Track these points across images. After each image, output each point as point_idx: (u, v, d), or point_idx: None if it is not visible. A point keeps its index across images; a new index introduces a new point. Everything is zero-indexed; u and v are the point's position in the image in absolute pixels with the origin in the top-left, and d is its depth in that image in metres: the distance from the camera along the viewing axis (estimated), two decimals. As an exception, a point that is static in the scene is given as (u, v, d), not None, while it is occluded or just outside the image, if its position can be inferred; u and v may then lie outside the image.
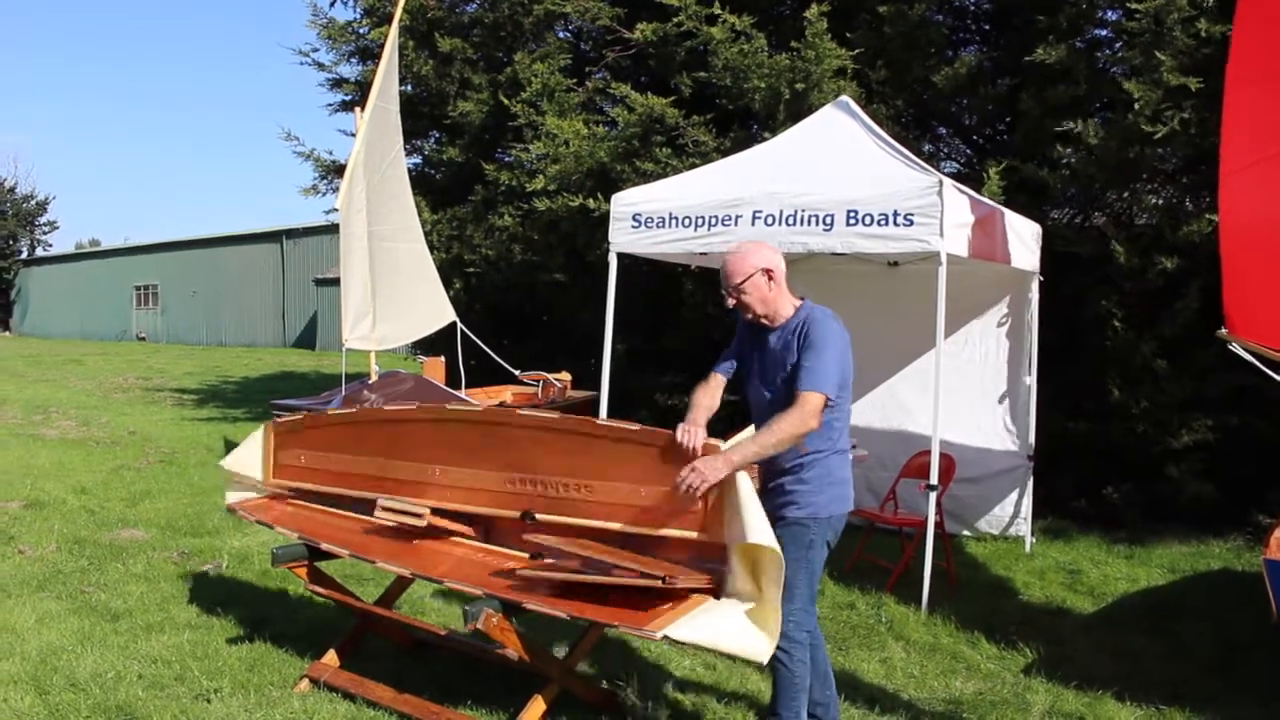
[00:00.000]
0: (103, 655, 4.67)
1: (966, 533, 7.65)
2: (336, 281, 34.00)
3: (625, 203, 7.01)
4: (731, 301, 3.85)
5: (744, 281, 3.77)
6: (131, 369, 23.46)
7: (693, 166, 8.83)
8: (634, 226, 6.96)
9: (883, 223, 6.03)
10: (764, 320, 3.82)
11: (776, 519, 3.60)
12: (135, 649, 4.76)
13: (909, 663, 5.04)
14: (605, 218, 9.17)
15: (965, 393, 7.79)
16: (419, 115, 12.42)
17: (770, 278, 3.78)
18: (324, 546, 4.19)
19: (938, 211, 5.84)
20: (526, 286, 10.99)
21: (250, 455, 4.92)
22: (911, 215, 5.93)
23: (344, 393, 7.84)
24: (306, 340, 34.63)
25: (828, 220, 6.18)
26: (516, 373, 9.42)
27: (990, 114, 8.50)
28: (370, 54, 12.20)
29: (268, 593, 5.72)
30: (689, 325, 10.25)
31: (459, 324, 9.10)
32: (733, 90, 8.58)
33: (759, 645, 3.29)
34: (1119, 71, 8.03)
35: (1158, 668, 5.01)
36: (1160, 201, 7.68)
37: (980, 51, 8.26)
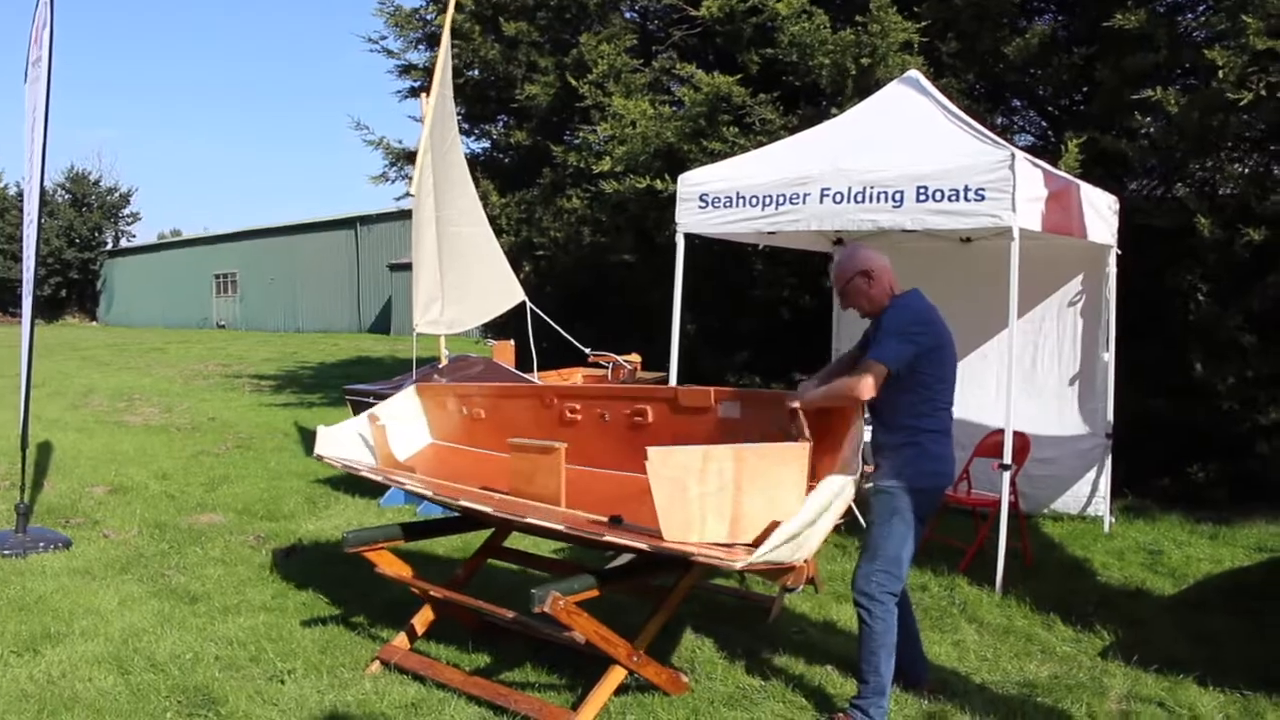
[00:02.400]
0: (181, 637, 4.80)
1: (1044, 512, 7.48)
2: (409, 267, 34.50)
3: (692, 183, 6.95)
4: (843, 305, 4.22)
5: (845, 285, 4.11)
6: (212, 356, 24.09)
7: (760, 145, 8.72)
8: (701, 207, 6.91)
9: (953, 198, 5.90)
10: (871, 314, 4.13)
11: (874, 489, 4.02)
12: (212, 631, 4.88)
13: (982, 645, 4.95)
14: (673, 199, 9.14)
15: (1041, 370, 7.61)
16: (486, 99, 12.50)
17: (869, 278, 4.05)
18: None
19: (1009, 185, 5.69)
20: (595, 268, 11.00)
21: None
22: (983, 190, 5.79)
23: (414, 378, 7.92)
24: (381, 325, 35.21)
25: (897, 197, 6.06)
26: (586, 351, 9.42)
27: (1065, 85, 8.23)
28: (437, 39, 12.25)
29: (341, 575, 5.80)
30: (759, 305, 10.18)
31: (529, 305, 9.12)
32: (799, 66, 8.45)
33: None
34: (1200, 37, 7.73)
35: (1241, 651, 4.84)
36: (1245, 170, 7.36)
37: (1054, 20, 7.98)
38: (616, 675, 3.90)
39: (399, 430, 5.29)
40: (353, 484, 8.42)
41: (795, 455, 3.73)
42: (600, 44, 10.07)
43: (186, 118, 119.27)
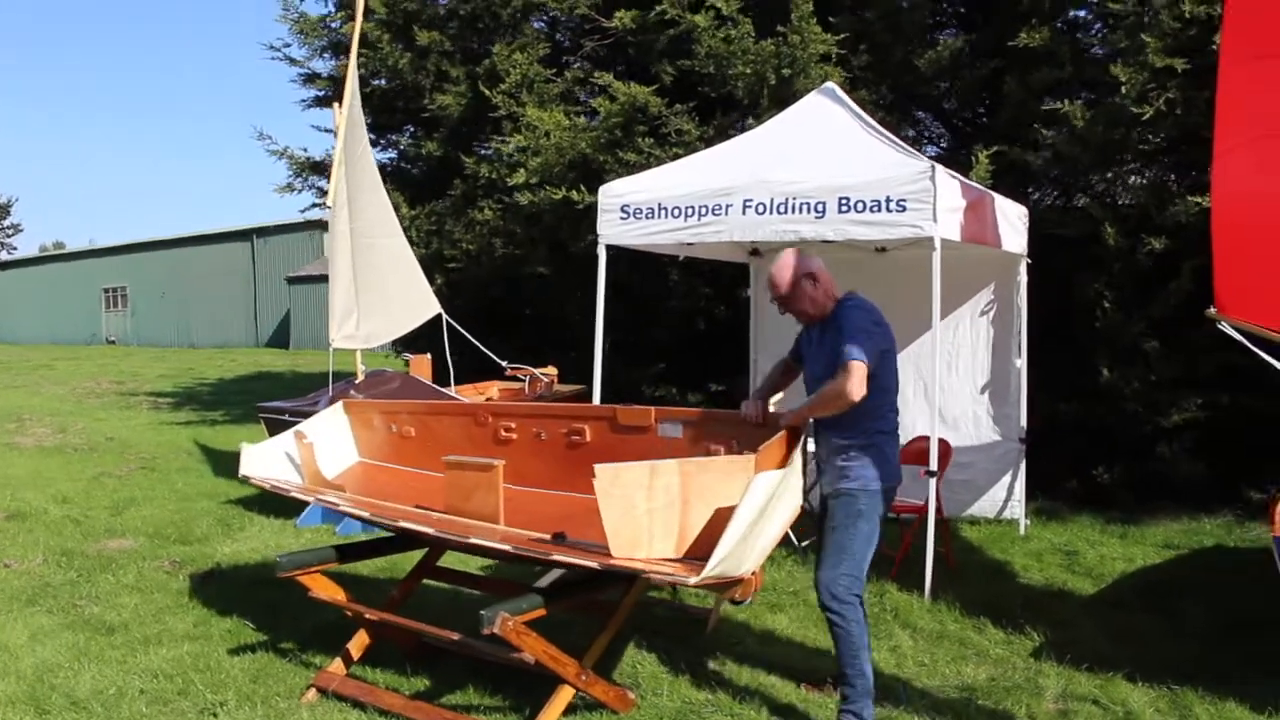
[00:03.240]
0: (101, 671, 4.56)
1: (961, 517, 7.66)
2: (308, 280, 33.77)
3: (613, 194, 6.92)
4: (782, 310, 4.16)
5: (791, 289, 4.05)
6: (104, 373, 23.12)
7: (676, 156, 8.77)
8: (622, 218, 6.87)
9: (875, 209, 5.99)
10: (816, 319, 4.11)
11: (833, 493, 4.03)
12: (134, 663, 4.66)
13: (918, 650, 5.03)
14: (589, 210, 9.10)
15: (956, 377, 7.80)
16: (393, 109, 12.28)
17: (814, 280, 4.04)
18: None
19: (930, 196, 5.81)
20: (508, 280, 10.88)
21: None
22: (904, 200, 5.89)
23: (330, 394, 7.72)
24: (280, 340, 34.28)
25: (819, 208, 6.13)
26: (504, 364, 9.31)
27: (972, 98, 8.47)
28: (344, 48, 12.01)
29: (265, 600, 5.59)
30: (675, 316, 10.21)
31: (444, 318, 8.99)
32: (716, 78, 8.52)
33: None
34: (1101, 53, 8.04)
35: (1164, 647, 5.01)
36: (1144, 182, 7.68)
37: (962, 35, 8.21)
38: (565, 695, 3.84)
39: (325, 448, 5.13)
40: (266, 504, 8.15)
41: (741, 468, 3.72)
42: (513, 53, 9.99)
43: (69, 126, 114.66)
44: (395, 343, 10.92)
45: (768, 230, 6.32)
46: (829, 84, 7.26)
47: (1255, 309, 5.21)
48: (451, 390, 8.45)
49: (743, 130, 8.24)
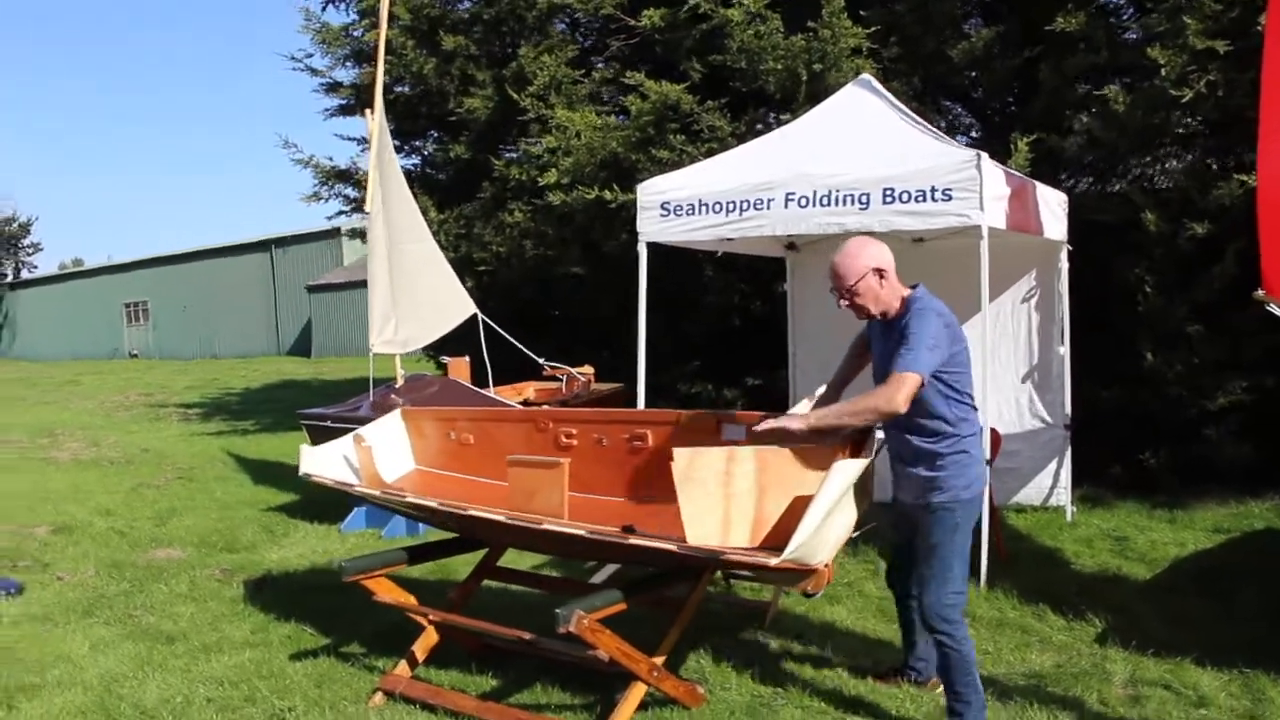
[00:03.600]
0: (166, 680, 4.57)
1: (1008, 505, 7.61)
2: (328, 288, 33.88)
3: (652, 191, 6.90)
4: (844, 303, 3.86)
5: (857, 283, 3.79)
6: (130, 386, 23.27)
7: (710, 152, 8.74)
8: (663, 215, 6.85)
9: (920, 199, 5.95)
10: (880, 317, 3.85)
11: (922, 506, 3.79)
12: (198, 671, 4.67)
13: (980, 639, 4.97)
14: (621, 209, 9.10)
15: (1000, 365, 7.75)
16: (417, 115, 12.30)
17: (881, 276, 3.80)
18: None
19: (976, 185, 5.76)
20: (540, 282, 10.88)
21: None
22: (950, 190, 5.85)
23: (371, 399, 7.73)
24: (301, 348, 34.42)
25: (863, 199, 6.09)
26: (541, 360, 9.30)
27: (1003, 87, 8.41)
28: (366, 56, 12.05)
29: (320, 605, 5.61)
30: (710, 312, 10.18)
31: (480, 318, 8.97)
32: (747, 73, 8.48)
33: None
34: (1135, 37, 7.98)
35: (1224, 632, 4.95)
36: (1182, 166, 7.60)
37: (992, 25, 8.14)
38: (638, 691, 3.83)
39: (383, 455, 5.14)
40: (309, 511, 8.19)
41: (819, 458, 3.70)
42: (540, 55, 9.99)
43: (84, 144, 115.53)
44: (428, 347, 10.95)
45: (811, 223, 6.29)
46: (865, 75, 7.21)
47: None
48: (490, 392, 8.44)
49: (777, 125, 8.21)
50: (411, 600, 4.46)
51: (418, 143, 12.97)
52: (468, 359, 8.85)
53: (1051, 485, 7.67)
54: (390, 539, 7.34)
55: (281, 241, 35.38)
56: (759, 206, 6.45)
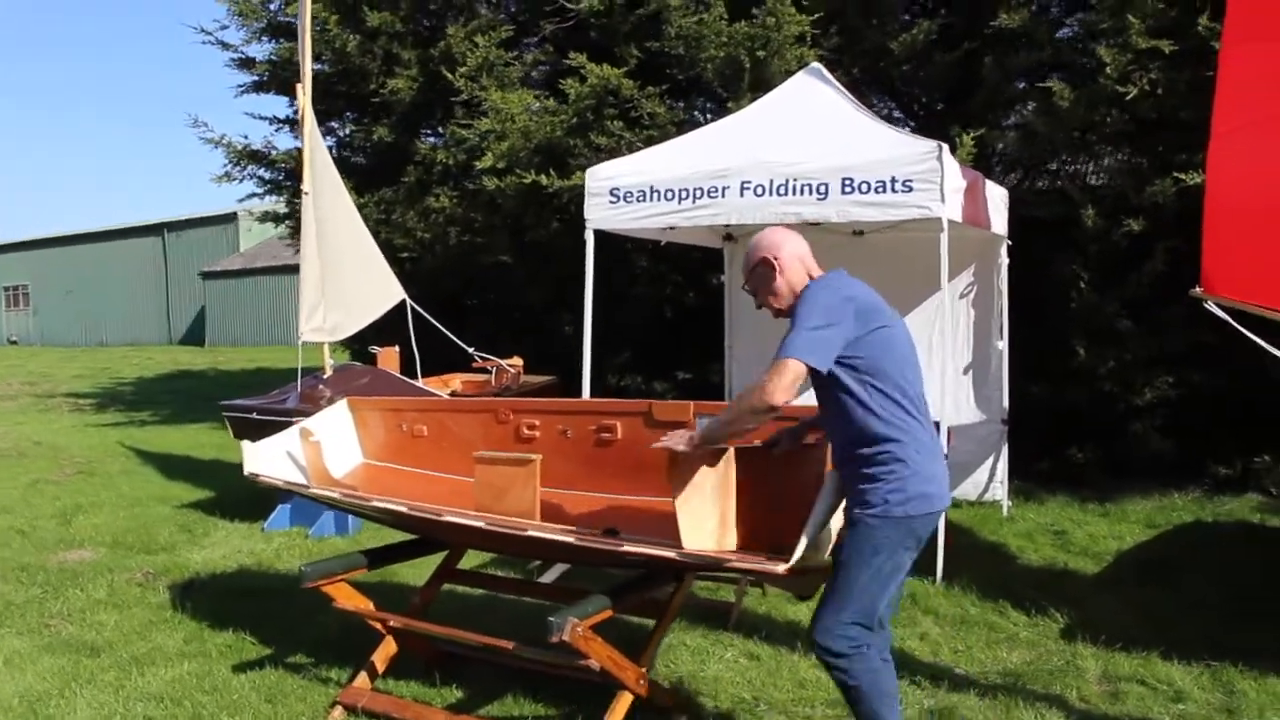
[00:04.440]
0: (96, 697, 4.18)
1: (946, 500, 7.63)
2: (224, 275, 32.65)
3: (601, 177, 6.70)
4: (755, 302, 3.41)
5: (749, 275, 3.37)
6: (12, 374, 21.94)
7: (649, 140, 8.57)
8: (612, 202, 6.66)
9: (880, 189, 5.88)
10: (785, 314, 3.27)
11: (850, 520, 3.19)
12: (131, 687, 4.28)
13: (948, 636, 4.94)
14: (554, 195, 8.85)
15: (938, 359, 7.77)
16: (334, 94, 11.79)
17: (772, 267, 3.27)
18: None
19: (938, 177, 5.72)
20: (464, 270, 10.55)
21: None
22: (910, 181, 5.80)
23: (298, 390, 7.33)
24: (194, 337, 33.09)
25: (821, 189, 6.00)
26: (471, 350, 8.99)
27: (941, 82, 8.43)
28: (283, 31, 11.51)
29: (254, 611, 5.24)
30: (641, 303, 10.01)
31: (410, 306, 8.62)
32: (685, 60, 8.33)
33: None
34: (1068, 35, 8.09)
35: (1182, 624, 5.00)
36: (1117, 163, 7.73)
37: (935, 19, 8.15)
38: (625, 702, 3.63)
39: (328, 448, 4.81)
40: (227, 508, 7.75)
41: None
42: (470, 36, 9.65)
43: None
44: (348, 338, 10.52)
45: (767, 213, 6.16)
46: (814, 64, 7.13)
47: (1244, 287, 5.25)
48: (420, 383, 8.12)
49: (717, 114, 8.07)
50: (370, 606, 4.17)
51: (334, 124, 12.44)
52: (397, 349, 8.50)
53: (988, 480, 7.73)
54: (319, 538, 6.99)
55: (174, 225, 33.93)
56: (713, 194, 6.32)
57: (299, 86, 7.55)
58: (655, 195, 6.49)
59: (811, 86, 6.88)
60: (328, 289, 7.44)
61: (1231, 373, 7.61)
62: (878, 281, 7.20)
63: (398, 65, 10.26)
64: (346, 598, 4.08)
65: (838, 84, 6.90)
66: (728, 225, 6.60)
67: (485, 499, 4.13)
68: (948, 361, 7.66)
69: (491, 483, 4.12)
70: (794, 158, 6.09)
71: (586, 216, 6.74)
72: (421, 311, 8.82)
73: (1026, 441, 8.35)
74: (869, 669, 3.14)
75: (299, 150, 12.02)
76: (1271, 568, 6.10)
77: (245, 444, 4.59)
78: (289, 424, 6.73)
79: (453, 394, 8.67)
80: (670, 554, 3.28)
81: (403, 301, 8.70)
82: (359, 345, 10.92)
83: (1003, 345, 7.52)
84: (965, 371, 7.72)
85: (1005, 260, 7.43)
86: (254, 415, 7.01)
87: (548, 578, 5.55)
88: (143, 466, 10.02)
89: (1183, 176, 6.93)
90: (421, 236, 10.39)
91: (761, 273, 3.32)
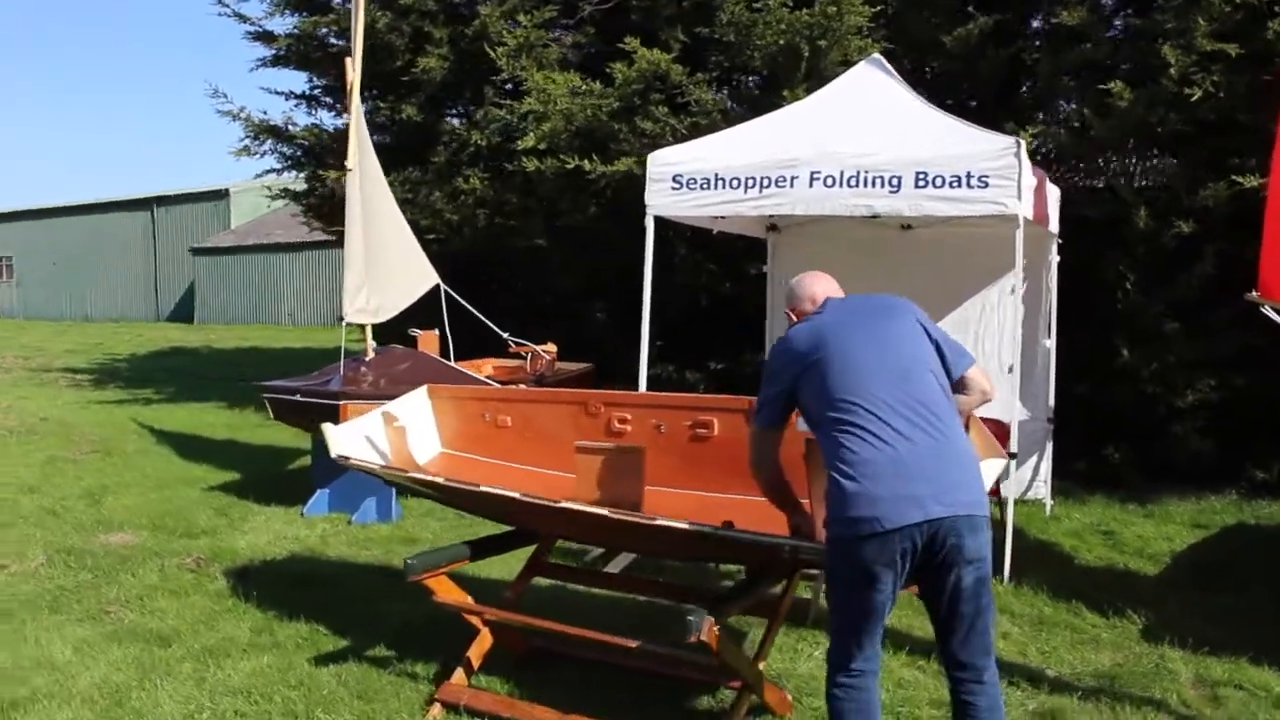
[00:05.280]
0: (178, 690, 4.04)
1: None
2: (215, 251, 32.21)
3: (663, 162, 6.57)
4: None
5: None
6: (4, 347, 21.52)
7: (695, 127, 8.45)
8: (674, 188, 6.53)
9: (954, 184, 5.79)
10: None
11: None
12: (214, 680, 4.14)
13: (1030, 636, 4.90)
14: (594, 180, 8.70)
15: (984, 356, 7.72)
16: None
17: (788, 317, 3.43)
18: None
19: (1015, 173, 5.64)
20: (494, 253, 10.39)
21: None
22: (986, 177, 5.71)
23: (342, 371, 7.17)
24: (183, 314, 32.63)
25: (894, 182, 5.91)
26: (506, 335, 8.84)
27: (993, 77, 8.34)
28: (306, 4, 11.27)
29: (317, 600, 5.11)
30: (676, 291, 9.87)
31: (443, 289, 8.47)
32: (735, 47, 8.20)
33: None
34: (1119, 34, 8.03)
35: (1256, 627, 4.94)
36: (1171, 166, 7.66)
37: (990, 13, 8.06)
38: (747, 701, 3.55)
39: (411, 435, 4.68)
40: (259, 491, 7.63)
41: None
42: (508, 15, 9.47)
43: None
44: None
45: (837, 204, 6.07)
46: (875, 55, 7.04)
47: None
48: (459, 367, 7.98)
49: (766, 103, 7.94)
50: (469, 601, 4.05)
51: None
52: (437, 332, 8.36)
53: (1031, 478, 7.69)
54: (362, 524, 6.87)
55: (165, 200, 33.41)
56: (781, 184, 6.20)
57: (348, 61, 7.37)
58: (720, 183, 6.37)
59: (873, 77, 6.78)
60: (371, 270, 7.28)
61: (1275, 377, 7.60)
62: (925, 276, 7.18)
63: (429, 44, 10.06)
64: (446, 591, 3.96)
65: (898, 76, 6.80)
66: (792, 215, 6.48)
67: (584, 490, 4.02)
68: (989, 358, 7.64)
69: (594, 473, 4.00)
70: (864, 149, 5.99)
71: (647, 202, 6.63)
72: (456, 296, 8.67)
73: (1067, 440, 8.33)
74: (846, 700, 3.04)
75: (317, 127, 11.90)
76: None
77: (327, 427, 4.45)
78: (333, 407, 6.72)
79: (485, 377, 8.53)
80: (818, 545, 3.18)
81: (434, 286, 8.54)
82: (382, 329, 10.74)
83: (1050, 344, 7.48)
84: (1011, 369, 7.65)
85: (1056, 258, 7.38)
86: (297, 397, 6.85)
87: (613, 567, 5.46)
88: (159, 446, 9.82)
89: (1239, 180, 6.88)
90: (449, 218, 10.21)
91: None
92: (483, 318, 8.70)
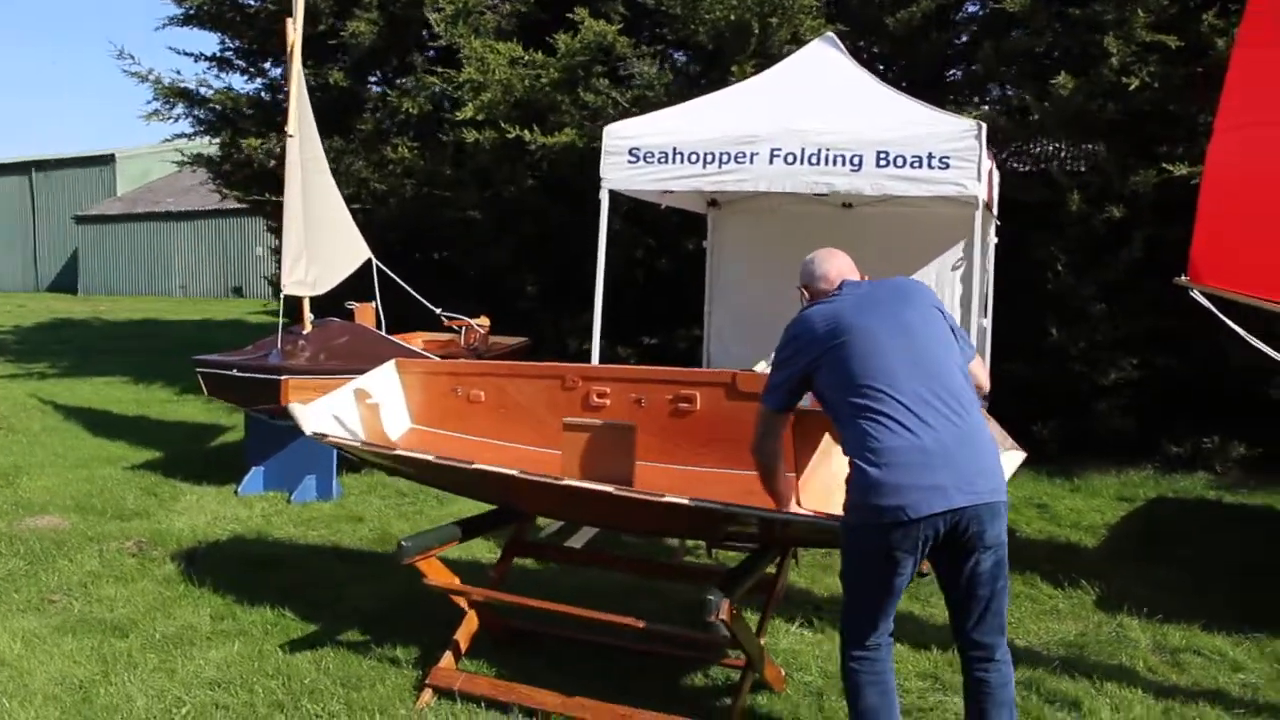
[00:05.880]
0: (148, 682, 3.82)
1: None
2: (100, 220, 30.67)
3: (620, 135, 6.45)
4: None
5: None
6: None
7: (637, 100, 8.35)
8: (631, 161, 6.42)
9: (916, 164, 5.83)
10: None
11: None
12: (183, 671, 3.93)
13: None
14: (531, 151, 8.52)
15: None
16: (272, 33, 11.09)
17: (801, 294, 3.41)
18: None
19: (976, 155, 5.70)
20: (423, 225, 10.11)
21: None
22: (948, 158, 5.76)
23: (278, 344, 6.86)
24: (65, 284, 30.99)
25: (855, 160, 5.92)
26: (439, 311, 8.63)
27: (936, 60, 8.47)
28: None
29: (274, 583, 4.92)
30: (610, 265, 9.76)
31: (374, 264, 8.23)
32: (680, 20, 8.11)
33: None
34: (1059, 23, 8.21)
35: (1201, 595, 5.17)
36: (1103, 152, 7.88)
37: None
38: (750, 676, 3.54)
39: (384, 412, 4.52)
40: (185, 469, 7.37)
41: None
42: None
43: None
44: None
45: (798, 181, 6.05)
46: (829, 34, 7.06)
47: (1232, 276, 5.44)
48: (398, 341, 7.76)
49: (718, 80, 7.89)
50: (457, 582, 3.92)
51: (267, 64, 11.73)
52: (374, 305, 8.10)
53: (968, 454, 7.86)
54: (302, 502, 6.66)
55: (44, 164, 31.61)
56: (740, 160, 6.16)
57: (289, 21, 7.02)
58: (679, 158, 6.29)
59: (828, 56, 6.79)
60: (309, 241, 7.00)
61: (1190, 357, 7.95)
62: (867, 255, 7.22)
63: (357, 6, 9.68)
64: (436, 574, 3.83)
65: (850, 56, 6.84)
66: (737, 191, 6.45)
67: (572, 468, 3.94)
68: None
69: (582, 450, 3.92)
70: (826, 127, 5.99)
71: (603, 175, 6.51)
72: (387, 270, 8.43)
73: (998, 417, 8.55)
74: (864, 673, 3.05)
75: (231, 90, 11.39)
76: (1249, 540, 6.40)
77: (295, 406, 4.25)
78: (273, 382, 6.46)
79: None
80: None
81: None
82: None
83: (987, 323, 7.64)
84: (952, 347, 7.83)
85: (994, 240, 7.53)
86: (234, 372, 6.55)
87: (576, 541, 5.38)
88: (66, 423, 9.32)
89: (1169, 168, 7.13)
90: (375, 187, 9.89)
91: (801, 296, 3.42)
92: (413, 292, 8.47)
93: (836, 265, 3.37)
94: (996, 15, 7.79)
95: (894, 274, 7.04)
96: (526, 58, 8.37)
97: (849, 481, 2.99)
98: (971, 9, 8.64)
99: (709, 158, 6.22)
